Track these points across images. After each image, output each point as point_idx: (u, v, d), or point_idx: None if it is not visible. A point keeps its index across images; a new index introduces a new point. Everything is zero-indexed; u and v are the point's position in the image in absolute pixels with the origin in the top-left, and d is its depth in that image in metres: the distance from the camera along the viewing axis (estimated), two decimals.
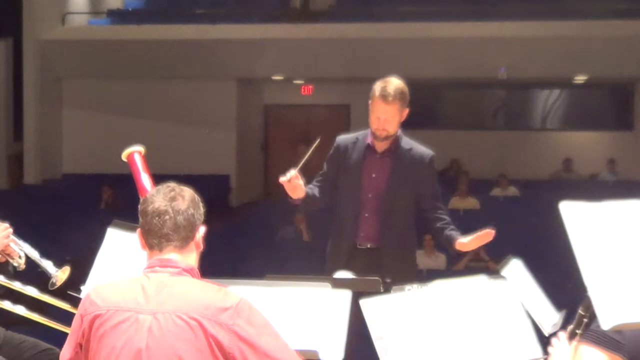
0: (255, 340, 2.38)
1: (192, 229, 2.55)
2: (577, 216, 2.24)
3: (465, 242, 4.28)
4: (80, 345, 2.50)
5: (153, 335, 2.38)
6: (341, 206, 4.49)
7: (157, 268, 2.50)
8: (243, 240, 10.92)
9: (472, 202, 12.30)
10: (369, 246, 4.42)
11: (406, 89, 4.36)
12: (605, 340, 2.39)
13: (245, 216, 13.42)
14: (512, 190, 13.40)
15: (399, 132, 4.44)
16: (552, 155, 15.57)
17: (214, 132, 15.17)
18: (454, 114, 16.84)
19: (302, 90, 16.05)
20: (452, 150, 15.42)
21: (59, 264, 3.88)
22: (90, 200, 13.06)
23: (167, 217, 2.51)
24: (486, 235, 4.20)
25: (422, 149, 4.48)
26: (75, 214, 11.87)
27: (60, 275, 3.82)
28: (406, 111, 4.37)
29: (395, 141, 4.41)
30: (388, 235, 4.40)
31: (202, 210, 2.60)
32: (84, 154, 15.15)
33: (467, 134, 15.91)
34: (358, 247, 4.43)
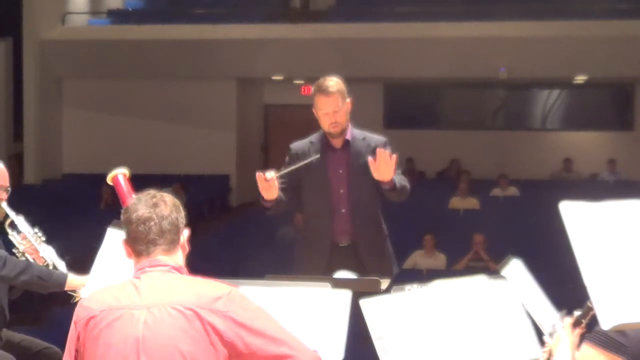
0: (251, 323, 2.42)
1: (177, 232, 2.58)
2: (577, 216, 2.24)
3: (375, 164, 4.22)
4: (77, 351, 2.52)
5: (148, 327, 2.41)
6: (313, 207, 4.53)
7: (147, 269, 2.53)
8: (243, 240, 10.91)
9: (472, 202, 12.29)
10: (349, 243, 4.46)
11: (342, 83, 4.45)
12: (608, 342, 2.40)
13: (245, 216, 13.40)
14: (512, 190, 13.39)
15: (349, 125, 4.50)
16: (552, 155, 15.56)
17: (214, 132, 15.17)
18: (454, 114, 16.83)
19: (302, 90, 16.03)
20: (452, 150, 15.42)
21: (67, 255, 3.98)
22: (90, 200, 13.05)
23: (152, 223, 2.54)
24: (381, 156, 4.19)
25: (376, 137, 4.54)
26: (75, 214, 11.86)
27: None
28: (349, 102, 4.44)
29: (349, 134, 4.49)
30: (362, 228, 4.46)
31: (183, 214, 2.63)
32: (84, 154, 15.14)
33: (467, 134, 15.90)
34: (339, 245, 4.46)
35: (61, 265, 4.04)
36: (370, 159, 4.24)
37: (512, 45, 13.52)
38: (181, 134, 15.17)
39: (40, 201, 12.91)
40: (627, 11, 13.81)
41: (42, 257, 4.01)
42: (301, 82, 15.79)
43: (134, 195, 2.70)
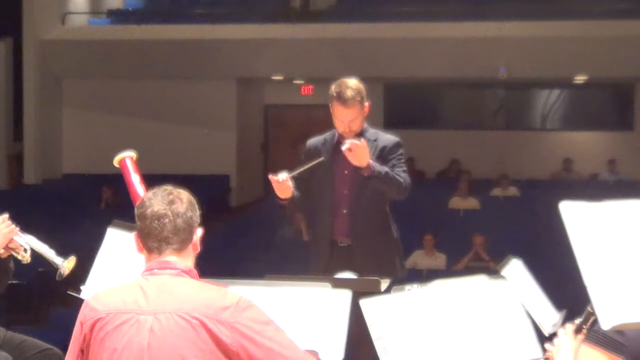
0: (258, 336, 2.39)
1: (190, 231, 2.55)
2: (577, 216, 2.24)
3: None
4: (82, 351, 2.51)
5: (154, 334, 2.38)
6: (318, 205, 4.52)
7: (155, 270, 2.50)
8: (243, 240, 10.92)
9: (472, 202, 12.29)
10: (348, 244, 4.44)
11: (362, 87, 4.39)
12: (607, 341, 2.40)
13: (245, 216, 13.41)
14: (512, 190, 13.38)
15: (365, 125, 4.46)
16: (552, 155, 15.56)
17: (214, 132, 15.17)
18: (454, 114, 16.84)
19: (302, 90, 16.04)
20: (452, 150, 15.42)
21: (64, 254, 3.89)
22: (90, 200, 13.05)
23: (166, 220, 2.50)
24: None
25: (387, 137, 4.50)
26: (75, 214, 11.86)
27: (67, 264, 3.82)
28: (367, 106, 4.41)
29: (361, 135, 4.43)
30: (361, 230, 4.42)
31: (198, 212, 2.60)
32: (84, 154, 15.13)
33: (467, 134, 15.90)
34: (339, 245, 4.45)
35: (44, 247, 3.93)
36: (344, 148, 4.22)
37: (512, 45, 13.52)
38: (181, 134, 15.17)
39: (40, 201, 12.93)
40: (627, 11, 13.80)
41: (20, 245, 3.91)
42: (301, 82, 15.79)
43: (148, 191, 2.65)
